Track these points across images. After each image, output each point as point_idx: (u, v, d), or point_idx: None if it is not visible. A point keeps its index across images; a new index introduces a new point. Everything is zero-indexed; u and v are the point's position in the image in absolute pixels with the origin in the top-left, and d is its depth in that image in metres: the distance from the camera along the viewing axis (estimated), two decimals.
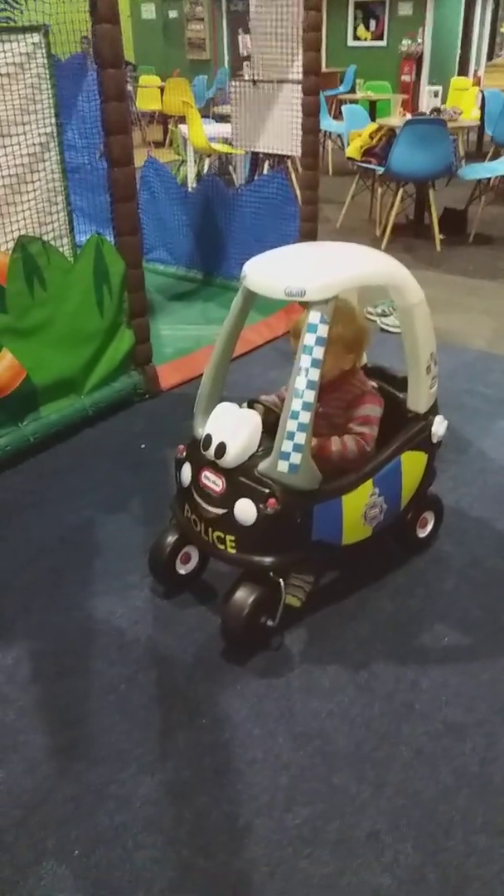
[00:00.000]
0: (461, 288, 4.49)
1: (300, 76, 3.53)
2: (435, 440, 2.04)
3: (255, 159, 5.13)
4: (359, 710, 1.67)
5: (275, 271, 1.75)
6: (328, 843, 1.41)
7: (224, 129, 5.99)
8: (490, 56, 12.19)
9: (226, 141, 5.81)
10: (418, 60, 11.32)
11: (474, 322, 3.98)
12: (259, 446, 1.79)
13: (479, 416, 2.98)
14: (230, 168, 6.28)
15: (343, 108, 6.55)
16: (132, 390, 3.07)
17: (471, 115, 7.17)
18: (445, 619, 1.94)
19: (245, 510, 1.72)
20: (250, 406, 1.93)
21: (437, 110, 6.16)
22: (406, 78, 11.38)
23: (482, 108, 6.97)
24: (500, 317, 4.10)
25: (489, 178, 5.73)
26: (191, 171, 6.11)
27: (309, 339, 1.66)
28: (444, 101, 8.19)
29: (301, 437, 1.69)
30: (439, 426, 2.03)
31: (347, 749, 1.59)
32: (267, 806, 1.47)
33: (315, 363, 1.66)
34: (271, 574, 1.78)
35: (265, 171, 5.18)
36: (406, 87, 11.18)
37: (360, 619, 1.94)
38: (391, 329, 3.64)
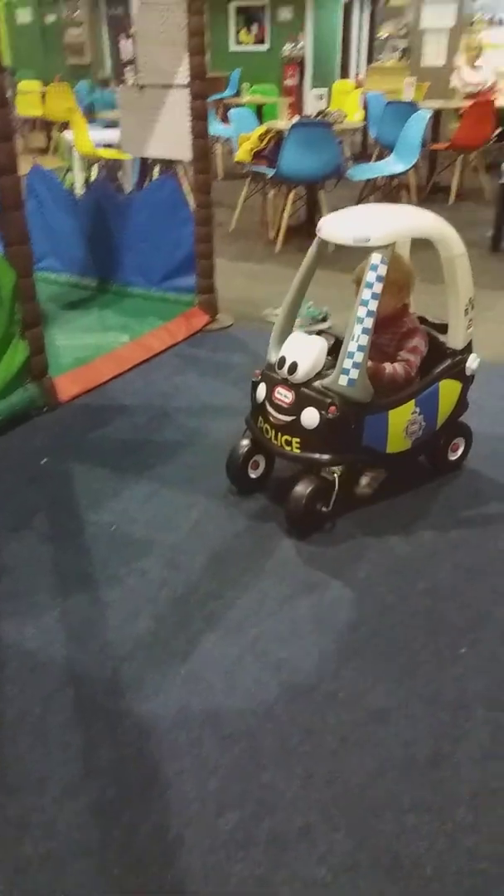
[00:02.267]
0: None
1: (187, 80, 3.52)
2: (468, 373, 2.41)
3: (144, 164, 5.08)
4: (283, 707, 1.67)
5: (345, 223, 2.19)
6: (261, 843, 1.40)
7: (110, 134, 5.90)
8: (370, 59, 12.57)
9: (111, 147, 5.73)
10: (301, 64, 11.54)
11: None
12: (323, 367, 2.18)
13: None
14: (118, 175, 6.20)
15: (230, 111, 6.57)
16: (29, 404, 2.97)
17: (354, 118, 7.37)
18: (361, 607, 1.97)
19: (310, 416, 2.13)
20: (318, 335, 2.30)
21: (322, 113, 6.29)
22: (290, 82, 11.57)
23: (365, 109, 7.17)
24: None
25: (375, 178, 5.91)
26: (78, 177, 5.99)
27: (371, 276, 2.06)
28: (328, 104, 8.38)
29: (359, 357, 2.08)
30: (473, 361, 2.41)
31: (274, 746, 1.58)
32: (197, 814, 1.45)
33: (375, 296, 2.06)
34: (327, 469, 2.21)
35: (155, 176, 5.14)
36: (290, 91, 11.37)
37: (278, 616, 1.94)
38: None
